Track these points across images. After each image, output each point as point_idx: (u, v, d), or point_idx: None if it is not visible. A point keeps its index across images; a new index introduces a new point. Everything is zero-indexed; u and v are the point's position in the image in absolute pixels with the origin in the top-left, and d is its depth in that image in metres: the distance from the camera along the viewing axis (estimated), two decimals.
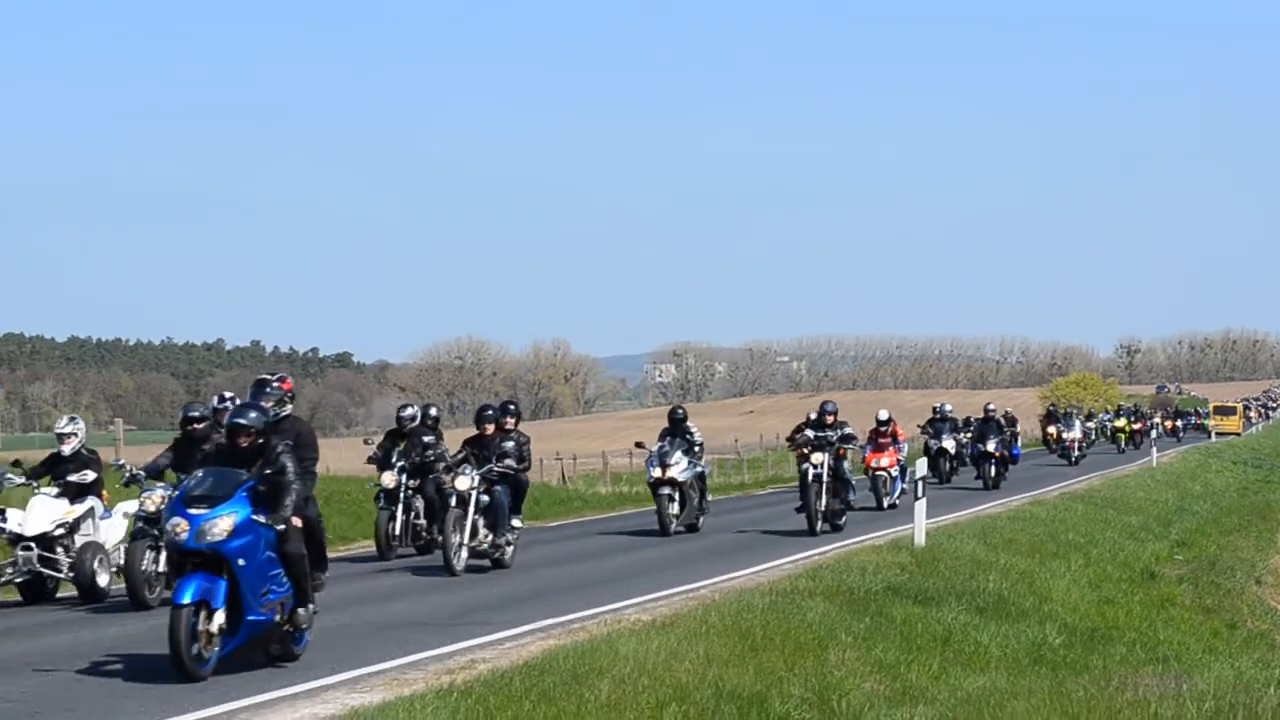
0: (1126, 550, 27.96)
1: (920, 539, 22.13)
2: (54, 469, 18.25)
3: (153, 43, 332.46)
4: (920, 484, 22.91)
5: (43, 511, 17.68)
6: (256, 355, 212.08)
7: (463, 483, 20.14)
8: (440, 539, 20.60)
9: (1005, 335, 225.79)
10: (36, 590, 17.85)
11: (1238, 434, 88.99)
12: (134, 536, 17.19)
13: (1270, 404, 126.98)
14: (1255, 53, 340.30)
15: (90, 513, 18.03)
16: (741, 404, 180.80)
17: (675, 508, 25.85)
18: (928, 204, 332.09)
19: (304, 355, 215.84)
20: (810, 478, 25.45)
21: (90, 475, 18.06)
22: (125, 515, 18.15)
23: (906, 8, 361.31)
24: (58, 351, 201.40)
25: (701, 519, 26.68)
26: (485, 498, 20.28)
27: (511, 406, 21.71)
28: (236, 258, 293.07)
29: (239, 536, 12.24)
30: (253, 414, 12.96)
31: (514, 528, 20.85)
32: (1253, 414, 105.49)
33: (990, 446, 39.25)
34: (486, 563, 20.58)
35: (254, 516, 12.39)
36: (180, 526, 12.26)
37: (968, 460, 41.55)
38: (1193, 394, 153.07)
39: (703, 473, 26.99)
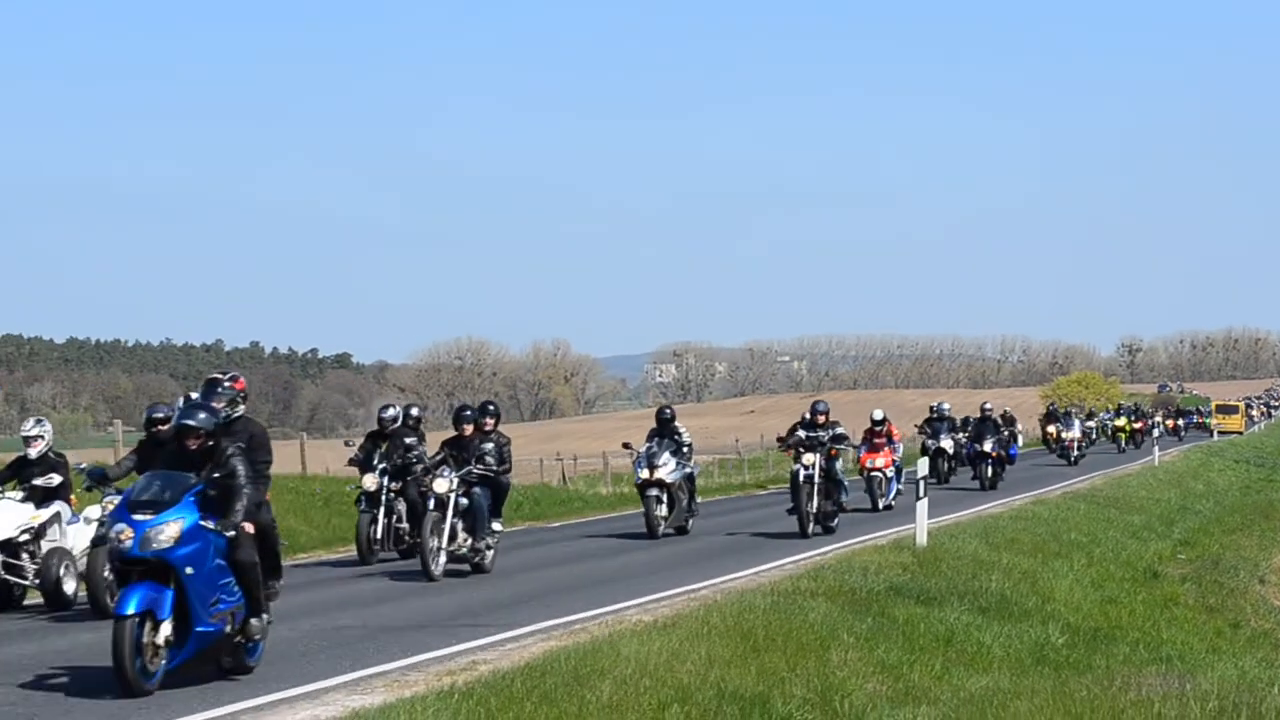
0: (1129, 549, 27.93)
1: (922, 539, 22.09)
2: (20, 473, 17.55)
3: (153, 43, 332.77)
4: (921, 483, 22.87)
5: (7, 517, 16.97)
6: (256, 356, 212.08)
7: (441, 485, 19.69)
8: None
9: (1006, 334, 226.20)
10: (2, 598, 17.02)
11: (1240, 433, 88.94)
12: (95, 543, 16.31)
13: (1273, 402, 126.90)
14: (1255, 53, 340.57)
15: (56, 518, 17.38)
16: (742, 404, 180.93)
17: (663, 510, 25.34)
18: (928, 204, 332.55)
19: (303, 356, 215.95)
20: (801, 479, 25.02)
21: (56, 479, 17.40)
22: (87, 520, 17.43)
23: (906, 8, 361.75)
24: (56, 353, 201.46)
25: (691, 521, 26.20)
26: (464, 500, 19.79)
27: (491, 407, 21.14)
28: (236, 258, 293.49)
29: (186, 544, 11.71)
30: (202, 415, 12.37)
31: (494, 531, 20.31)
32: (1255, 413, 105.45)
33: (987, 446, 38.98)
34: (466, 567, 20.10)
35: (202, 522, 11.86)
36: (125, 533, 11.72)
37: (966, 460, 41.32)
38: (1195, 393, 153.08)
39: (691, 474, 26.48)
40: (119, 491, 15.87)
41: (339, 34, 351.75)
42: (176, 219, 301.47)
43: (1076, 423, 54.09)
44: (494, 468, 20.17)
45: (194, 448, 12.24)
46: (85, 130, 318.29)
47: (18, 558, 16.99)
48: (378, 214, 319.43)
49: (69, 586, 16.95)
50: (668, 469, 25.22)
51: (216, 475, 12.11)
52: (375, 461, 21.89)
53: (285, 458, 22.46)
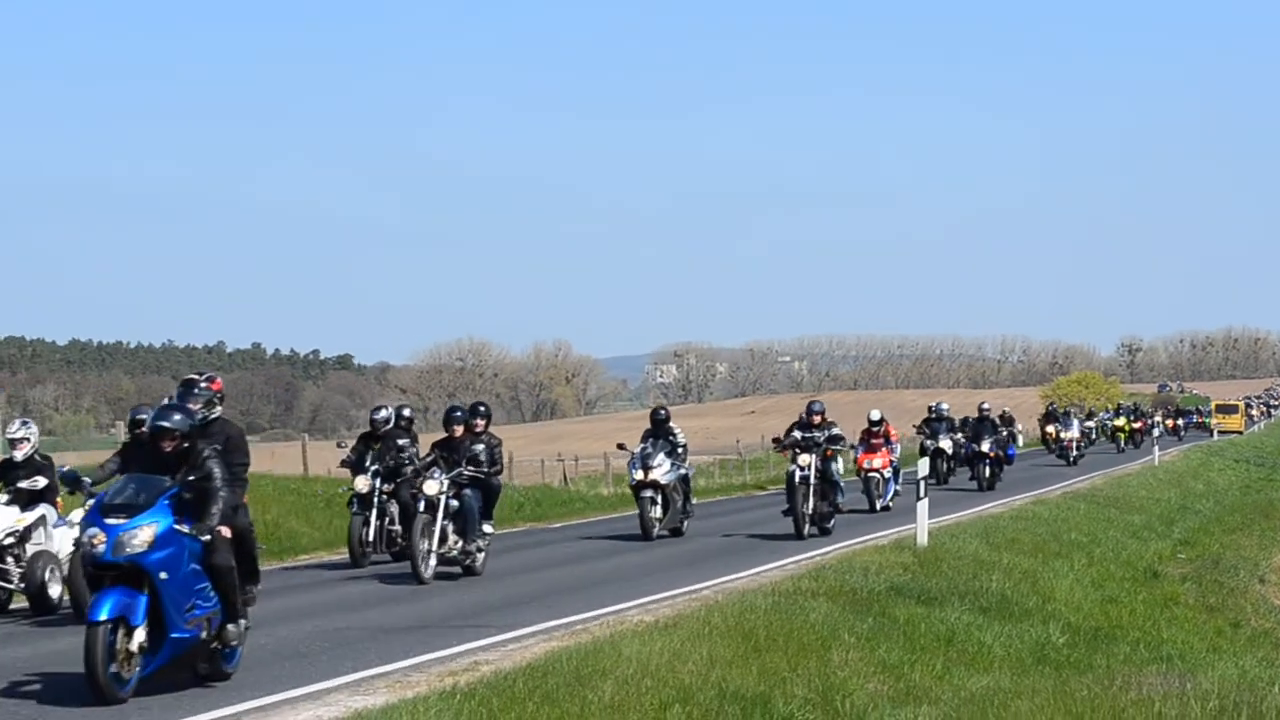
0: (1129, 549, 27.95)
1: (923, 539, 22.11)
2: (5, 475, 17.28)
3: (153, 43, 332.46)
4: (922, 483, 22.88)
5: None
6: (257, 357, 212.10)
7: (431, 487, 19.45)
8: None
9: (1006, 334, 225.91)
10: None
11: (1240, 432, 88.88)
12: (77, 545, 15.62)
13: (1272, 402, 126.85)
14: (1255, 53, 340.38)
15: (42, 520, 17.11)
16: (743, 404, 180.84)
17: (658, 511, 25.14)
18: (928, 204, 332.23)
19: (305, 357, 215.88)
20: (797, 480, 24.77)
21: (42, 482, 17.12)
22: (72, 524, 16.97)
23: (906, 8, 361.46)
24: (58, 354, 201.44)
25: (686, 522, 26.06)
26: (454, 502, 19.56)
27: (481, 408, 20.96)
28: (237, 259, 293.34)
29: (160, 548, 11.44)
30: (177, 416, 12.09)
31: (484, 533, 20.11)
32: (1255, 412, 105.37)
33: (985, 447, 38.72)
34: (457, 570, 19.91)
35: (177, 526, 11.61)
36: (97, 538, 11.48)
37: (964, 461, 41.09)
38: (1195, 392, 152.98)
39: (686, 475, 26.29)
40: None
41: (339, 34, 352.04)
42: (177, 219, 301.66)
43: (1075, 423, 53.92)
44: (485, 469, 20.00)
45: (169, 450, 11.98)
46: (86, 130, 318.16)
47: (3, 561, 16.78)
48: (378, 214, 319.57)
49: (54, 590, 16.70)
50: (662, 470, 25.04)
51: (192, 478, 11.88)
52: (368, 463, 21.66)
53: (288, 459, 22.41)
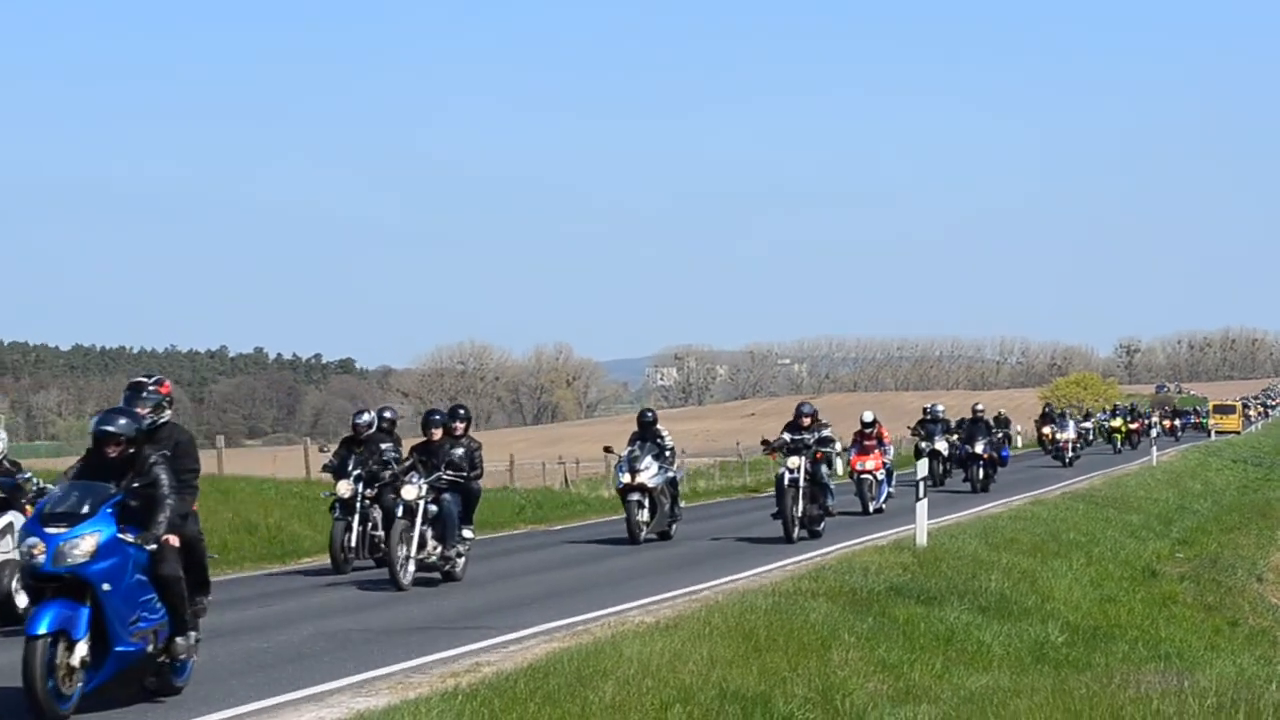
0: (1128, 549, 27.98)
1: (922, 539, 22.15)
2: None
3: (153, 43, 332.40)
4: (921, 484, 22.93)
5: None
6: (260, 362, 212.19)
7: (409, 492, 19.07)
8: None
9: (1005, 336, 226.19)
10: None
11: (1237, 432, 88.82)
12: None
13: (1270, 402, 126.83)
14: (1255, 53, 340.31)
15: (9, 528, 16.43)
16: (743, 406, 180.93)
17: (645, 515, 24.88)
18: (928, 204, 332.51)
19: (307, 361, 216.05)
20: (786, 482, 24.42)
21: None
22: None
23: (906, 8, 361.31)
24: (62, 360, 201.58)
25: (674, 526, 25.80)
26: (433, 507, 19.23)
27: (461, 411, 20.54)
28: (239, 262, 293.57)
29: (103, 558, 10.91)
30: (122, 421, 11.58)
31: (464, 539, 19.78)
32: (1252, 412, 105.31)
33: (978, 448, 38.42)
34: (436, 576, 19.57)
35: (121, 536, 11.08)
36: (37, 548, 10.93)
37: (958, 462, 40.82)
38: (1192, 393, 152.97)
39: (674, 478, 26.03)
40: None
41: (339, 34, 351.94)
42: (179, 221, 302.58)
43: (1071, 424, 53.68)
44: (464, 473, 19.69)
45: (114, 455, 11.48)
46: (87, 131, 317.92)
47: None
48: (379, 215, 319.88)
49: (21, 600, 15.86)
50: (649, 473, 24.76)
51: (137, 485, 11.41)
52: (350, 467, 21.30)
53: (290, 463, 22.32)
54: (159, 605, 11.44)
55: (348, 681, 12.54)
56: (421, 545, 19.12)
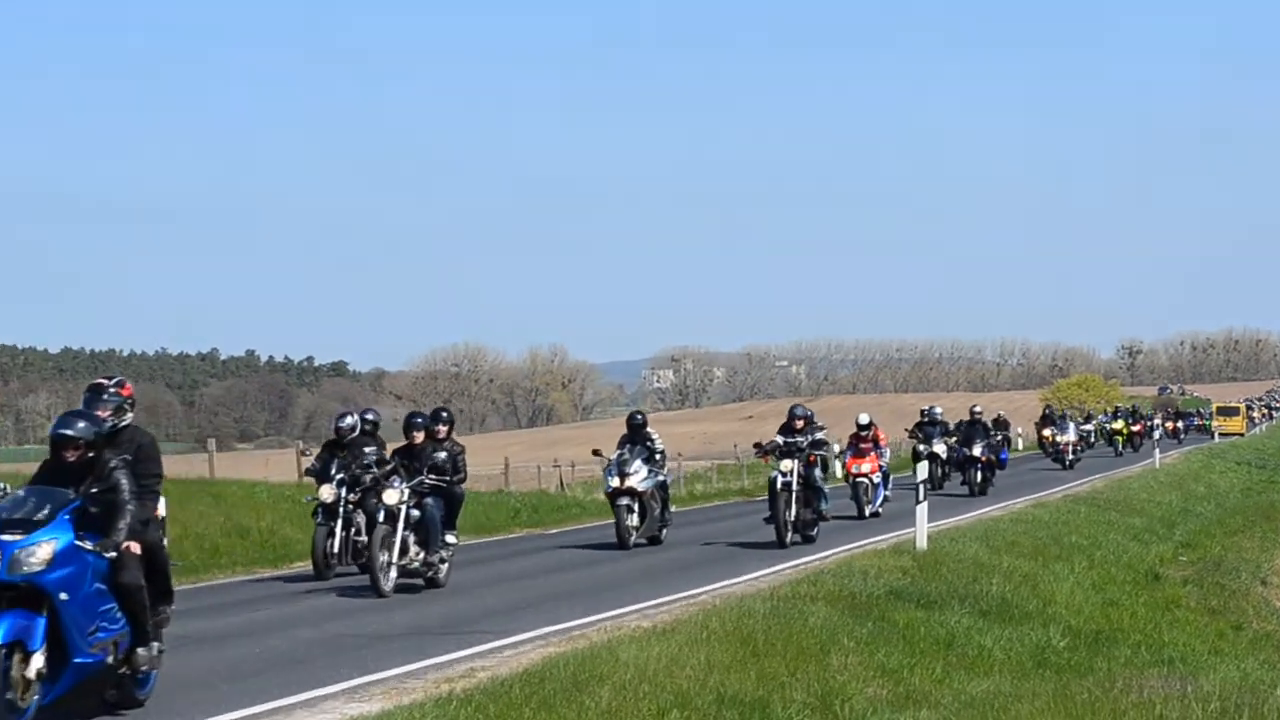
0: (1130, 552, 27.91)
1: (922, 542, 22.05)
2: None
3: (150, 43, 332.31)
4: (922, 487, 22.79)
5: None
6: (251, 364, 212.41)
7: (391, 496, 18.67)
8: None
9: (1005, 337, 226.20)
10: None
11: (1241, 434, 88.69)
12: None
13: (1274, 404, 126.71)
14: (1256, 52, 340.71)
15: None
16: (740, 409, 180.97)
17: (634, 519, 24.55)
18: (928, 204, 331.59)
19: (299, 364, 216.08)
20: (779, 486, 23.97)
21: None
22: None
23: (906, 7, 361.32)
24: (51, 363, 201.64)
25: (664, 530, 25.51)
26: (415, 512, 18.86)
27: (444, 414, 20.19)
28: (229, 264, 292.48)
29: (60, 566, 10.51)
30: (81, 424, 11.20)
31: (447, 544, 19.41)
32: (1256, 414, 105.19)
33: (976, 451, 37.97)
34: (419, 582, 19.15)
35: (79, 543, 10.68)
36: None
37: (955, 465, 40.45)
38: (1195, 395, 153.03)
39: (664, 482, 25.76)
40: None
41: (338, 34, 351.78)
42: (168, 223, 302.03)
43: (1071, 426, 53.22)
44: (448, 477, 19.35)
45: (73, 460, 11.12)
46: (76, 133, 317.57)
47: None
48: (371, 215, 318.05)
49: None
50: (639, 477, 24.45)
51: (96, 490, 11.03)
52: (333, 471, 20.88)
53: (283, 466, 22.10)
54: (119, 615, 11.05)
55: (341, 687, 12.42)
56: (404, 551, 18.75)
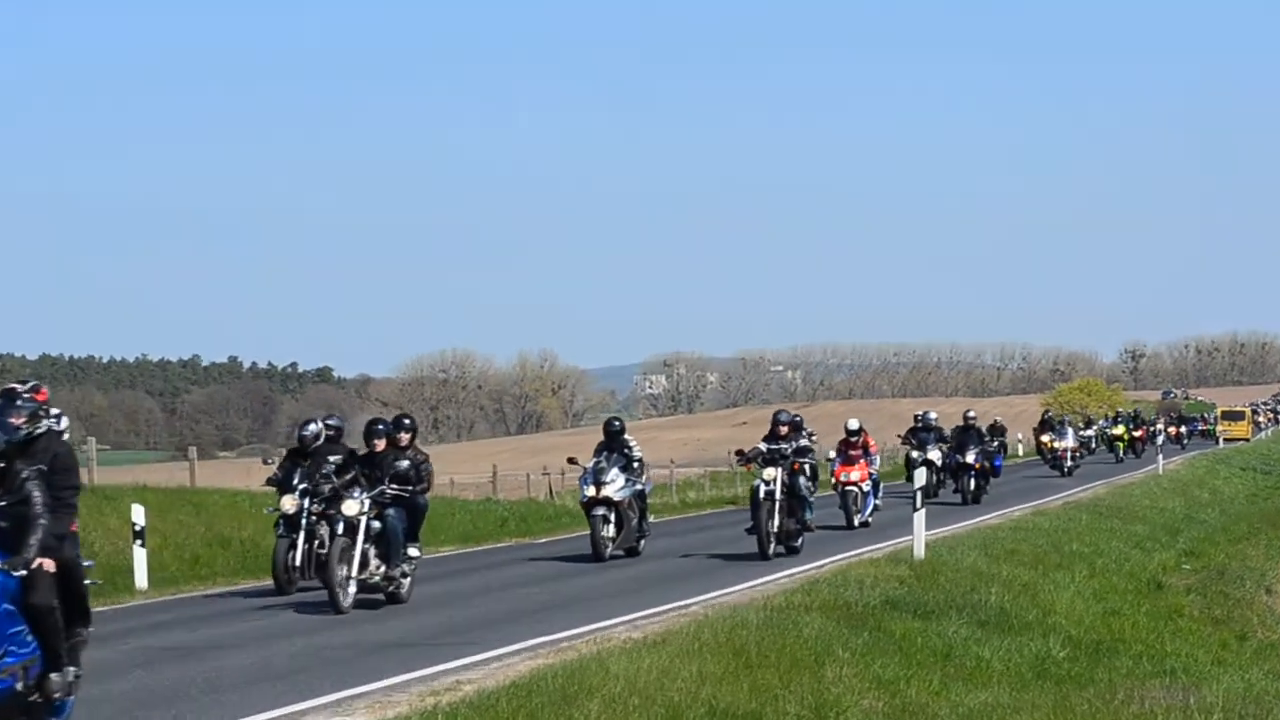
0: (1132, 560, 27.76)
1: (919, 551, 21.89)
2: None
3: (147, 44, 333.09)
4: (919, 494, 22.56)
5: None
6: (234, 371, 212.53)
7: (350, 507, 17.93)
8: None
9: (1006, 341, 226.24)
10: None
11: (1246, 439, 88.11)
12: None
13: (1279, 408, 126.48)
14: (1257, 52, 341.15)
15: None
16: (734, 415, 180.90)
17: (610, 530, 23.88)
18: (928, 205, 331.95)
19: (283, 370, 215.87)
20: (761, 495, 23.13)
21: None
22: None
23: (906, 8, 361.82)
24: (28, 370, 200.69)
25: (642, 542, 24.82)
26: (376, 524, 18.11)
27: (406, 421, 19.47)
28: (211, 269, 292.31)
29: None
30: None
31: (410, 557, 18.71)
32: (1261, 419, 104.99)
33: (969, 458, 37.01)
34: (380, 597, 18.50)
35: None
36: None
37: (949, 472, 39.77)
38: (1200, 399, 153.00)
39: (643, 491, 25.07)
40: None
41: (337, 34, 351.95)
42: (148, 228, 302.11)
43: (1070, 431, 52.09)
44: (410, 487, 18.60)
45: None
46: (52, 139, 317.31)
47: None
48: (356, 219, 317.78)
49: None
50: (615, 486, 23.80)
51: (6, 503, 10.35)
52: (295, 481, 20.34)
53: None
54: (30, 638, 10.21)
55: (324, 700, 12.24)
56: (364, 565, 18.09)
